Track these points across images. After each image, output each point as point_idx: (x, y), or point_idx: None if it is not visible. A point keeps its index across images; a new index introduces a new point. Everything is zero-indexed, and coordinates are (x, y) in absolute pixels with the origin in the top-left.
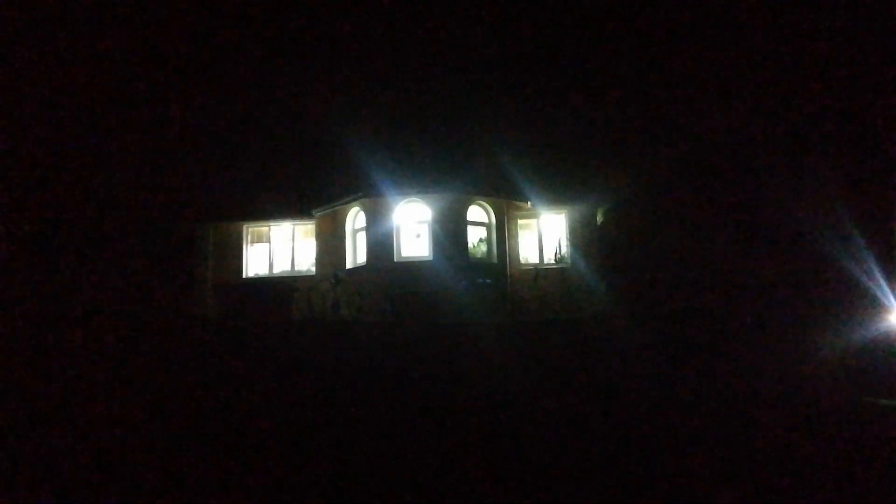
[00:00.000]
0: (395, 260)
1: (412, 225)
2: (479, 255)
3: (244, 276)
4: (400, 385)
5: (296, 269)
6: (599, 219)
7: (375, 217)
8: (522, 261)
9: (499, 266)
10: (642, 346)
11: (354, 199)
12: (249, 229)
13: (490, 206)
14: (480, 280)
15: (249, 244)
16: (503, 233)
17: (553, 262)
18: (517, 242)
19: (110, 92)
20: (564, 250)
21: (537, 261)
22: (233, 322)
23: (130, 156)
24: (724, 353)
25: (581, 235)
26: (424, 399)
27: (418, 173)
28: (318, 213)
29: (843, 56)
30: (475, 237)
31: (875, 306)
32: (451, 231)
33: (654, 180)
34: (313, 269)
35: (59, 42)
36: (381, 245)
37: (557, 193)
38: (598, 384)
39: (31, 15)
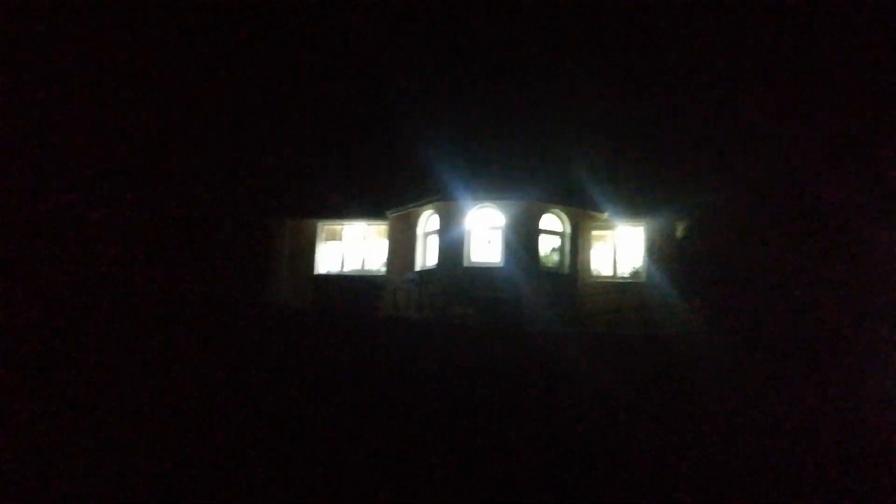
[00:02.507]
0: (465, 265)
1: (484, 230)
2: (550, 265)
3: (315, 272)
4: (473, 387)
5: (366, 268)
6: (679, 233)
7: (448, 221)
8: (595, 273)
9: (570, 276)
10: (732, 367)
11: (428, 202)
12: (323, 227)
13: (565, 214)
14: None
15: (322, 241)
16: (577, 243)
17: (628, 275)
18: (590, 254)
19: (194, 91)
20: (641, 264)
21: (611, 273)
22: (326, 314)
23: (213, 154)
24: (824, 376)
25: (659, 249)
26: (503, 403)
27: (493, 179)
28: (391, 215)
29: None
30: (548, 246)
31: None
32: (523, 238)
33: (739, 192)
34: (383, 269)
35: (150, 40)
36: (452, 249)
37: (635, 205)
38: (682, 406)
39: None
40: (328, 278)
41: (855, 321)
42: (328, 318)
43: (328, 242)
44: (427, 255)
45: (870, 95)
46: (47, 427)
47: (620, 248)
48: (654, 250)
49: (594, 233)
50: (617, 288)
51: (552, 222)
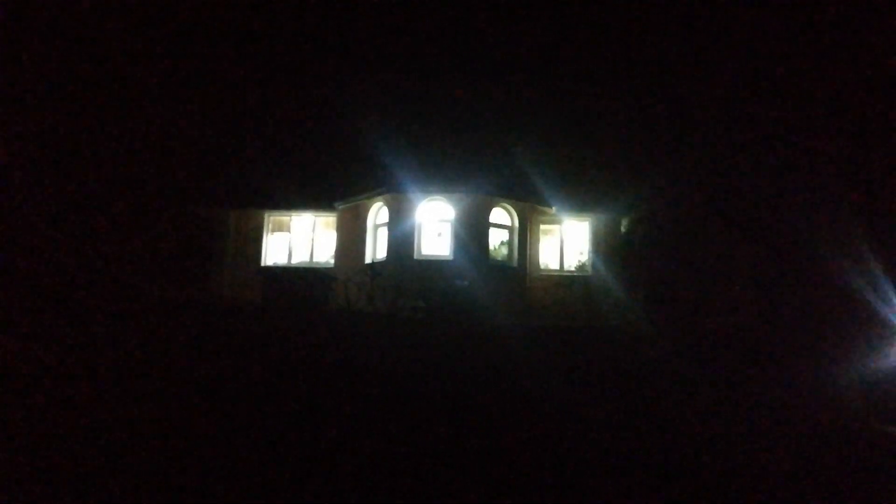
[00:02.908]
0: (415, 257)
1: (434, 223)
2: (499, 258)
3: (263, 264)
4: (424, 382)
5: (314, 260)
6: (624, 228)
7: (398, 213)
8: (542, 266)
9: (519, 270)
10: (666, 360)
11: (378, 195)
12: (270, 218)
13: (513, 209)
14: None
15: (269, 233)
16: (525, 237)
17: (574, 269)
18: (538, 248)
19: (138, 78)
20: (586, 258)
21: (558, 267)
22: (275, 307)
23: (156, 142)
24: (751, 374)
25: (604, 244)
26: (451, 397)
27: (443, 172)
28: (340, 206)
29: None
30: (497, 239)
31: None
32: (473, 232)
33: (680, 192)
34: (332, 261)
35: (96, 27)
36: (402, 242)
37: (581, 200)
38: (616, 395)
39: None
40: (276, 271)
41: (789, 316)
42: (278, 312)
43: (275, 234)
44: (377, 247)
45: (810, 98)
46: None
47: (567, 243)
48: (599, 244)
49: (542, 227)
50: (564, 281)
51: (501, 216)
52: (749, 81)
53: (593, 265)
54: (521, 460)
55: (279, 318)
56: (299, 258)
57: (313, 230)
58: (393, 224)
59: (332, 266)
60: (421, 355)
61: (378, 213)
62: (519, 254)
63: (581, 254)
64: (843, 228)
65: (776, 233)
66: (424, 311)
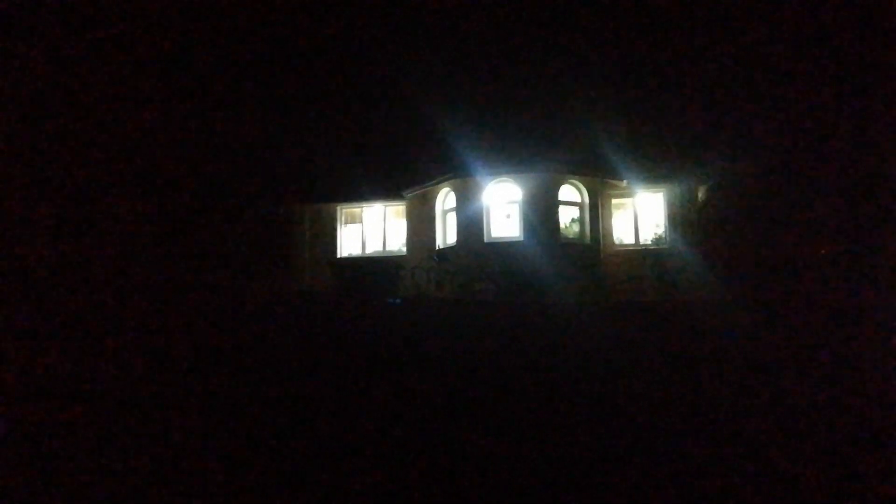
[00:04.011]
0: (485, 240)
1: (502, 205)
2: (571, 236)
3: (338, 255)
4: (497, 364)
5: (387, 249)
6: (701, 196)
7: (465, 197)
8: (617, 241)
9: (592, 247)
10: (754, 337)
11: (444, 180)
12: (343, 210)
13: (583, 185)
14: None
15: (343, 225)
16: (596, 213)
17: (650, 242)
18: (611, 223)
19: (212, 81)
20: (662, 231)
21: (633, 241)
22: (348, 297)
23: (234, 142)
24: (845, 350)
25: (681, 215)
26: (526, 380)
27: (508, 153)
28: (408, 195)
29: None
30: (567, 217)
31: None
32: (542, 211)
33: (764, 155)
34: (404, 249)
35: (171, 28)
36: (471, 225)
37: (654, 171)
38: (697, 374)
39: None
40: (345, 261)
41: (886, 281)
42: (352, 301)
43: (349, 225)
44: (447, 232)
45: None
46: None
47: (641, 216)
48: (675, 216)
49: (614, 201)
50: (639, 256)
51: (570, 193)
52: (825, 21)
53: (670, 237)
54: (586, 451)
55: (351, 307)
56: (372, 248)
57: (384, 220)
58: (461, 208)
59: (404, 254)
60: (490, 340)
61: (446, 199)
62: (591, 230)
63: (657, 226)
64: None
65: (868, 187)
66: (494, 293)
